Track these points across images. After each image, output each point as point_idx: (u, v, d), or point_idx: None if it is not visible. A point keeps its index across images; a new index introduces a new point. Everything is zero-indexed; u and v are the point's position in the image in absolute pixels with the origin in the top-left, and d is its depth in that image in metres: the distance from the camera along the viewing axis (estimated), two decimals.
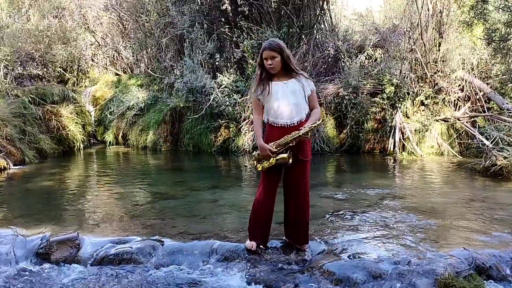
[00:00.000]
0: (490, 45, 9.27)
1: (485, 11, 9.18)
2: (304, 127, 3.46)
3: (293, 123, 3.53)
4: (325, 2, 10.38)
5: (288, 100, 3.52)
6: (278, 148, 3.48)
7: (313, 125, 3.50)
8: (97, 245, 3.92)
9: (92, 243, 3.95)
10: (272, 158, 3.49)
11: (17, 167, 7.84)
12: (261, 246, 3.74)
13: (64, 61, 12.22)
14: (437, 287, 3.16)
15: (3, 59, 10.04)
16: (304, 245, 3.78)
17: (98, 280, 3.43)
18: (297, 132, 3.47)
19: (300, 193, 3.66)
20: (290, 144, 3.49)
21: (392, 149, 8.71)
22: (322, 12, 10.44)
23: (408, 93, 8.91)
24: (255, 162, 3.59)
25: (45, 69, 11.68)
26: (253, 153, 3.62)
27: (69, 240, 3.97)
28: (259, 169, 3.58)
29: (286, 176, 3.65)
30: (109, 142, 10.95)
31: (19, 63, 10.87)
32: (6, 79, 9.75)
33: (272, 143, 3.49)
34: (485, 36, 9.27)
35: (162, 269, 3.60)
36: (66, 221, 4.68)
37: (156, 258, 3.73)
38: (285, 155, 3.48)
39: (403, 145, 8.66)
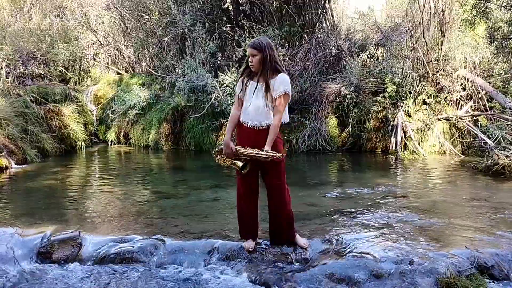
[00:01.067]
0: (492, 44, 9.25)
1: (487, 9, 9.16)
2: (260, 152, 3.40)
3: (262, 126, 3.50)
4: (327, 1, 10.37)
5: (256, 101, 3.51)
6: (240, 154, 3.47)
7: (264, 155, 3.39)
8: (99, 244, 3.92)
9: (93, 242, 3.95)
10: (231, 159, 3.52)
11: (19, 166, 7.84)
12: (260, 243, 3.76)
13: (66, 60, 12.24)
14: (439, 286, 3.16)
15: (5, 58, 10.06)
16: (306, 242, 3.76)
17: (99, 279, 3.43)
18: (257, 152, 3.41)
19: (276, 193, 3.62)
20: (248, 159, 3.46)
21: (394, 148, 8.70)
22: (324, 11, 10.43)
23: (410, 92, 8.90)
24: (216, 152, 3.61)
25: (46, 68, 11.70)
26: (217, 144, 3.63)
27: (70, 239, 3.97)
28: (215, 161, 3.63)
29: (263, 177, 3.65)
30: (111, 141, 10.95)
31: (21, 62, 10.90)
32: (8, 78, 9.77)
33: (238, 146, 3.50)
34: (488, 35, 9.25)
35: (164, 268, 3.60)
36: (67, 220, 4.68)
37: (157, 257, 3.73)
38: (239, 164, 3.48)
39: (405, 144, 8.65)
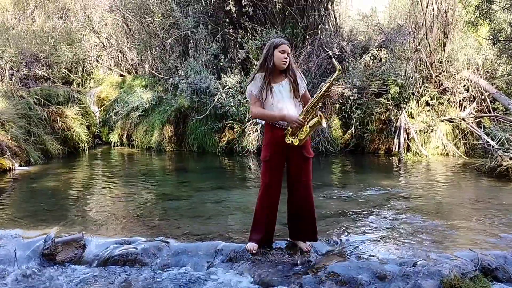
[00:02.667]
0: (495, 45, 9.23)
1: (490, 11, 9.15)
2: (324, 84, 3.46)
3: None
4: (329, 2, 10.37)
5: (292, 101, 3.52)
6: (306, 117, 3.45)
7: (332, 79, 3.45)
8: (102, 246, 3.92)
9: (97, 244, 3.95)
10: (305, 126, 3.43)
11: (23, 168, 7.86)
12: (266, 247, 3.73)
13: (69, 62, 12.27)
14: None
15: (8, 60, 10.09)
16: (308, 245, 3.76)
17: (103, 280, 3.44)
18: (320, 91, 3.44)
19: (305, 190, 3.63)
20: (317, 107, 3.45)
21: (397, 150, 8.69)
22: (327, 12, 10.43)
23: (413, 94, 8.89)
24: (290, 138, 3.47)
25: (50, 70, 11.73)
26: (285, 130, 3.50)
27: (74, 241, 3.98)
28: (296, 143, 3.46)
29: (289, 174, 3.63)
30: (114, 143, 10.98)
31: (24, 64, 10.93)
32: (12, 80, 9.80)
33: (298, 115, 3.47)
34: (491, 36, 9.24)
35: (167, 270, 3.60)
36: (71, 222, 4.68)
37: (161, 259, 3.73)
38: (316, 119, 3.43)
39: (408, 145, 8.64)
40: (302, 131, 3.45)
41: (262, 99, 3.51)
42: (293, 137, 3.47)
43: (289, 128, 3.47)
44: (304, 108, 3.48)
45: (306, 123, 3.44)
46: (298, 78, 3.56)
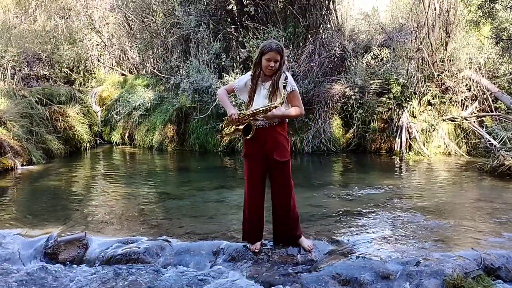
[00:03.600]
0: (498, 44, 9.22)
1: (493, 10, 9.14)
2: (263, 107, 3.45)
3: (264, 124, 3.52)
4: (331, 1, 10.36)
5: (263, 102, 3.51)
6: (242, 119, 3.50)
7: (272, 106, 3.43)
8: (105, 245, 3.92)
9: (99, 243, 3.96)
10: (233, 126, 3.55)
11: (25, 167, 7.87)
12: (266, 244, 3.75)
13: (71, 61, 12.26)
14: (445, 287, 3.14)
15: (10, 60, 10.09)
16: (310, 244, 3.75)
17: (106, 280, 3.44)
18: (256, 109, 3.47)
19: (282, 194, 3.62)
20: (250, 119, 3.48)
21: (398, 149, 8.67)
22: (328, 11, 10.42)
23: (415, 93, 8.88)
24: (223, 125, 3.66)
25: (51, 70, 11.72)
26: (224, 118, 3.66)
27: (76, 240, 3.98)
28: (223, 133, 3.74)
29: (269, 178, 3.66)
30: (115, 142, 10.98)
31: (26, 63, 10.92)
32: (14, 80, 9.80)
33: (239, 113, 3.52)
34: (493, 36, 9.23)
35: (170, 269, 3.60)
36: (73, 221, 4.68)
37: (163, 258, 3.73)
38: (241, 127, 3.51)
39: (410, 145, 8.63)
40: (230, 127, 3.59)
41: (237, 91, 3.70)
42: (225, 128, 3.65)
43: (226, 119, 3.59)
44: (250, 111, 3.49)
45: (238, 123, 3.52)
46: (282, 79, 3.49)
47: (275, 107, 3.44)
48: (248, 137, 3.52)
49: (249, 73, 3.65)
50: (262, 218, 3.74)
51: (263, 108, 3.45)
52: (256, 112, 3.46)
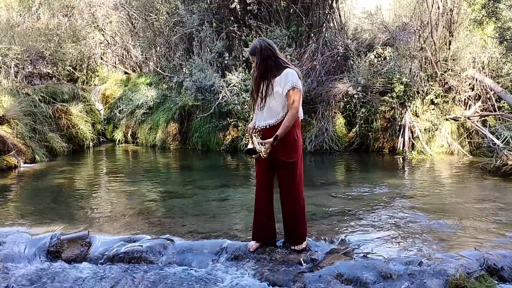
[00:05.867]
0: (502, 44, 9.19)
1: (497, 9, 9.10)
2: (258, 143, 3.49)
3: (264, 126, 3.56)
4: (334, 0, 10.35)
5: (268, 101, 3.52)
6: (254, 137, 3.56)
7: (260, 146, 3.47)
8: (108, 243, 3.94)
9: (102, 242, 3.97)
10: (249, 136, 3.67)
11: (28, 165, 7.90)
12: (271, 246, 3.74)
13: (74, 59, 12.30)
14: (448, 287, 3.14)
15: (13, 58, 10.11)
16: (298, 245, 3.70)
17: (109, 278, 3.44)
18: (252, 143, 3.55)
19: (289, 197, 3.62)
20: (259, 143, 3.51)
21: (401, 148, 8.66)
22: (331, 10, 10.41)
23: (418, 92, 8.86)
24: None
25: (55, 68, 11.75)
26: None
27: (79, 238, 3.99)
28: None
29: (277, 179, 3.66)
30: (118, 141, 11.00)
31: (30, 61, 10.95)
32: (17, 78, 9.82)
33: (256, 134, 3.56)
34: (497, 35, 9.20)
35: (172, 268, 3.61)
36: (76, 219, 4.70)
37: (166, 256, 3.74)
38: (249, 146, 3.59)
39: (413, 144, 8.61)
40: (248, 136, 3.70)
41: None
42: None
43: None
44: (256, 137, 3.54)
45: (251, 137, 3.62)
46: (278, 78, 3.49)
47: (275, 138, 3.44)
48: (251, 156, 3.60)
49: None
50: (270, 218, 3.73)
51: (257, 147, 3.48)
52: (251, 143, 3.57)
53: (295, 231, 3.70)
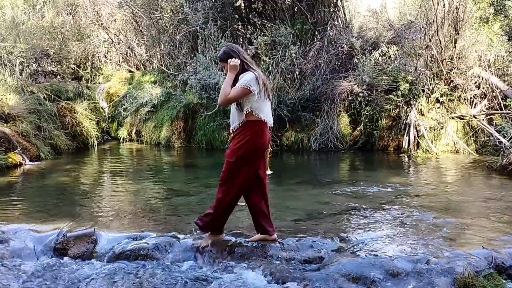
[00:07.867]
0: (510, 42, 9.13)
1: (505, 7, 9.05)
2: None
3: (232, 129, 3.83)
4: None
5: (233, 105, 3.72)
6: None
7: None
8: (114, 241, 3.94)
9: (108, 239, 3.98)
10: None
11: (33, 163, 7.91)
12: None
13: (78, 57, 12.31)
14: (456, 286, 3.12)
15: (18, 56, 10.12)
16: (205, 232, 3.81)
17: (115, 275, 3.44)
18: None
19: (219, 188, 3.76)
20: None
21: (406, 147, 8.62)
22: (336, 8, 10.38)
23: (423, 90, 8.82)
24: None
25: (59, 66, 11.77)
26: None
27: (86, 236, 4.00)
28: None
29: None
30: (123, 139, 11.01)
31: (34, 59, 10.96)
32: (22, 76, 9.83)
33: None
34: (505, 33, 9.14)
35: (179, 265, 3.60)
36: (82, 217, 4.70)
37: (172, 254, 3.74)
38: None
39: (418, 142, 8.58)
40: None
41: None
42: None
43: None
44: None
45: None
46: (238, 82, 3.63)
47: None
48: None
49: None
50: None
51: None
52: None
53: (207, 218, 3.75)
